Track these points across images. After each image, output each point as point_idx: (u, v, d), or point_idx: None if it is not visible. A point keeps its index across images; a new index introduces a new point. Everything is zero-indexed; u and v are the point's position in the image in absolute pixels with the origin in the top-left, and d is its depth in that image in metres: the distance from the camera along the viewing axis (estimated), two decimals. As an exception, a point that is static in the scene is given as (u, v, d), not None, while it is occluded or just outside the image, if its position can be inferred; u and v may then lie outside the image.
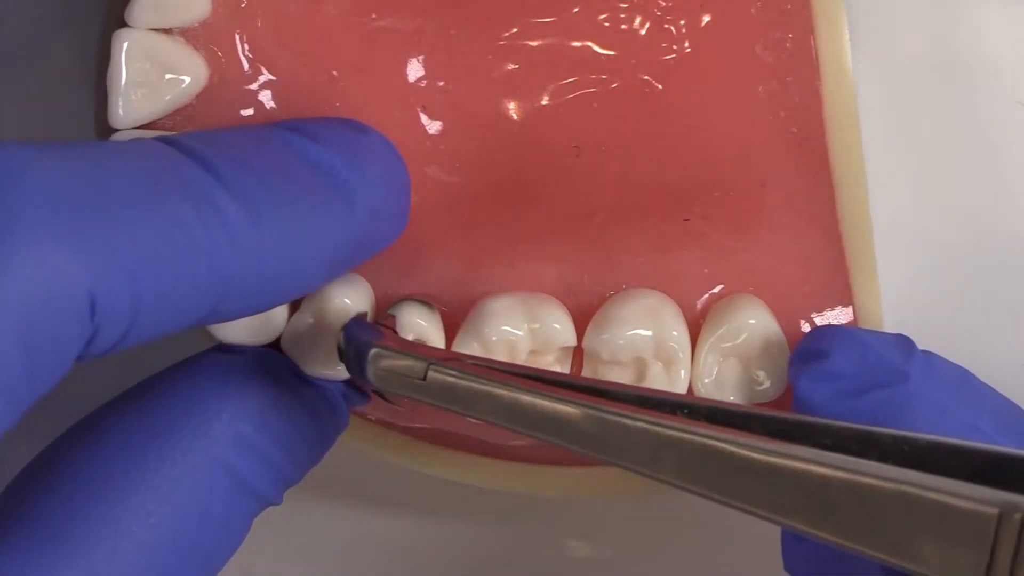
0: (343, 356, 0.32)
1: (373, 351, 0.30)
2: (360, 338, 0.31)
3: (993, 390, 0.33)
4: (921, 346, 0.38)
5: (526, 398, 0.28)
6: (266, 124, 0.34)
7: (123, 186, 0.27)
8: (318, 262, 0.31)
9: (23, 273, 0.24)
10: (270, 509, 0.42)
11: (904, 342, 0.32)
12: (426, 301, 0.35)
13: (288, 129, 0.33)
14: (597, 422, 0.28)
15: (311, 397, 0.34)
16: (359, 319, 0.33)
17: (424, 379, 0.30)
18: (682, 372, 0.34)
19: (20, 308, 0.24)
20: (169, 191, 0.27)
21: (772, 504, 0.26)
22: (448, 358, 0.30)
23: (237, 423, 0.32)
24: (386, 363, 0.30)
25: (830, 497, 0.25)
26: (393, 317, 0.34)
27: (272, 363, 0.34)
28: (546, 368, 0.35)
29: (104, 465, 0.32)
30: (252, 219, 0.29)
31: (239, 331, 0.34)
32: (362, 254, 0.33)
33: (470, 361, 0.31)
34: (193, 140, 0.30)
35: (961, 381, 0.32)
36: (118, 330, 0.27)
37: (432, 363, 0.30)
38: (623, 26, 0.37)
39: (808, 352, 0.32)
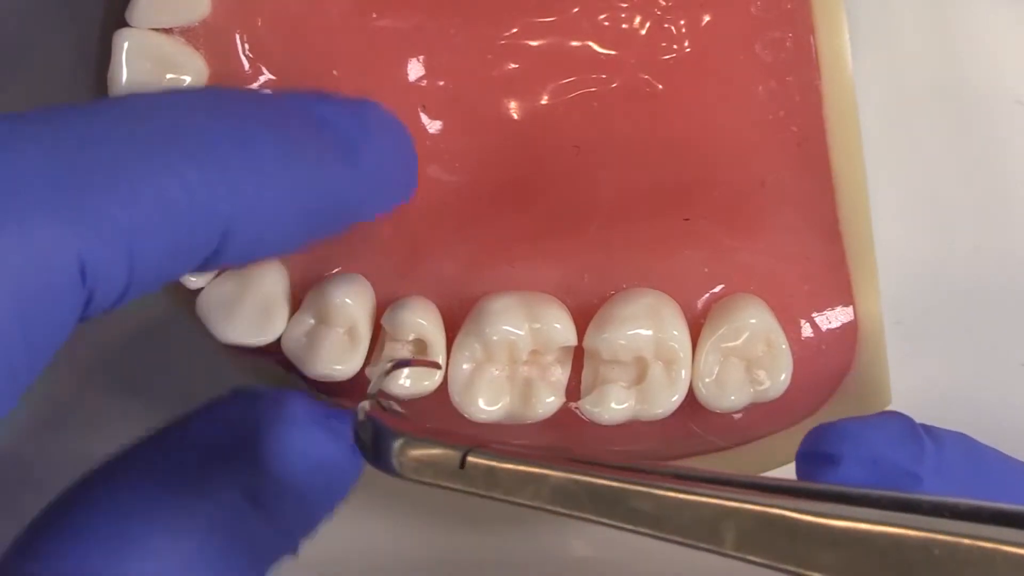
0: (359, 443, 0.30)
1: (399, 441, 0.29)
2: (380, 425, 0.30)
3: (1007, 459, 0.33)
4: (921, 346, 0.39)
5: (578, 477, 0.27)
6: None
7: (114, 144, 0.27)
8: (322, 210, 0.31)
9: (9, 246, 0.25)
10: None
11: (912, 436, 0.31)
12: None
13: (290, 90, 0.33)
14: (653, 498, 0.27)
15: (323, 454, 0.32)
16: (369, 403, 0.32)
17: (462, 467, 0.28)
18: (683, 372, 0.34)
19: (11, 282, 0.25)
20: (166, 142, 0.27)
21: (845, 570, 0.25)
22: (474, 442, 0.29)
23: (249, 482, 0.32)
24: (417, 453, 0.29)
25: (906, 557, 0.25)
26: (395, 403, 0.33)
27: (286, 412, 0.33)
28: (548, 366, 0.35)
29: (121, 520, 0.32)
30: (253, 164, 0.29)
31: (240, 331, 0.34)
32: (366, 210, 0.33)
33: (499, 445, 0.29)
34: (192, 92, 0.30)
35: (972, 469, 0.32)
36: (115, 290, 0.27)
37: (469, 450, 0.28)
38: (623, 26, 0.37)
39: (816, 456, 0.32)
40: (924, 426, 0.32)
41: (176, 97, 0.30)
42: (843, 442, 0.31)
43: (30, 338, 0.25)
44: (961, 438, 0.32)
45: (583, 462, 0.28)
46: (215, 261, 0.29)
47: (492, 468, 0.28)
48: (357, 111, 0.33)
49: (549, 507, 0.27)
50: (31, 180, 0.25)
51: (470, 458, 0.28)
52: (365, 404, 0.31)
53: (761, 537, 0.26)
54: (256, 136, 0.29)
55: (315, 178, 0.30)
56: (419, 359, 0.34)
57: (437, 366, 0.34)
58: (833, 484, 0.28)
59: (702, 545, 0.26)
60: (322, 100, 0.32)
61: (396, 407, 0.32)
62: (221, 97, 0.30)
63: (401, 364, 0.34)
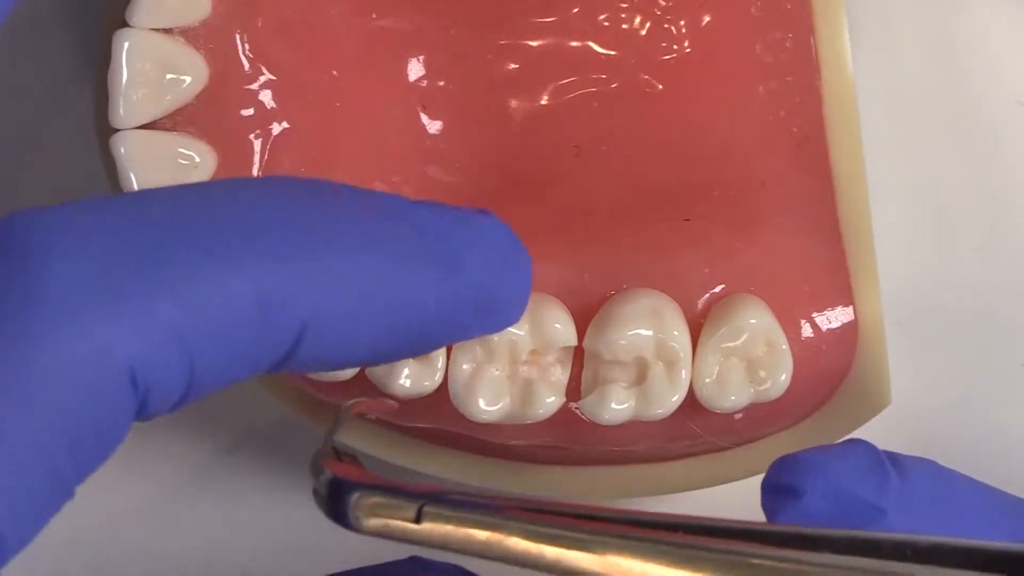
0: (315, 496, 0.29)
1: (355, 496, 0.28)
2: (336, 478, 0.29)
3: (974, 486, 0.33)
4: (922, 346, 0.38)
5: (535, 528, 0.26)
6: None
7: (177, 239, 0.25)
8: (412, 322, 0.28)
9: (53, 354, 0.23)
10: (269, 509, 0.43)
11: (876, 467, 0.31)
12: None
13: (385, 193, 0.30)
14: (606, 548, 0.26)
15: None
16: (324, 452, 0.31)
17: (418, 520, 0.27)
18: (683, 372, 0.34)
19: (56, 398, 0.23)
20: (239, 240, 0.25)
21: None
22: (434, 491, 0.28)
23: None
24: (372, 508, 0.28)
25: None
26: (352, 453, 0.31)
27: None
28: (544, 376, 0.35)
29: None
30: (337, 268, 0.26)
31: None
32: (467, 327, 0.29)
33: (458, 496, 0.28)
34: (271, 181, 0.27)
35: (938, 497, 0.32)
36: (172, 395, 0.25)
37: (425, 503, 0.27)
38: (623, 26, 0.37)
39: (779, 487, 0.32)
40: (890, 455, 0.32)
41: (253, 186, 0.27)
42: (806, 475, 0.31)
43: (76, 445, 0.24)
44: (927, 466, 0.32)
45: (544, 511, 0.27)
46: (285, 365, 0.26)
47: (449, 519, 0.27)
48: (463, 219, 0.29)
49: (506, 560, 0.27)
50: (78, 280, 0.23)
51: (425, 513, 0.27)
52: (319, 456, 0.30)
53: None
54: (341, 235, 0.26)
55: (406, 286, 0.27)
56: (374, 402, 0.34)
57: (394, 407, 0.34)
58: (792, 525, 0.28)
59: None
60: (421, 204, 0.29)
61: (353, 454, 0.32)
62: (302, 189, 0.27)
63: (359, 406, 0.33)
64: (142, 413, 0.25)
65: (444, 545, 0.27)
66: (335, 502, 0.28)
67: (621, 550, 0.26)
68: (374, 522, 0.28)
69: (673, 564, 0.26)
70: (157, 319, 0.24)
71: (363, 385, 0.35)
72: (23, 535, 0.24)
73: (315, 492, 0.29)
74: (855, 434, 0.37)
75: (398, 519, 0.27)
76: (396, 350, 0.28)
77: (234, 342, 0.25)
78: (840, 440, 0.37)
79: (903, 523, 0.31)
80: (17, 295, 0.23)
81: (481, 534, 0.27)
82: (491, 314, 0.30)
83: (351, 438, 0.39)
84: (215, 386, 0.26)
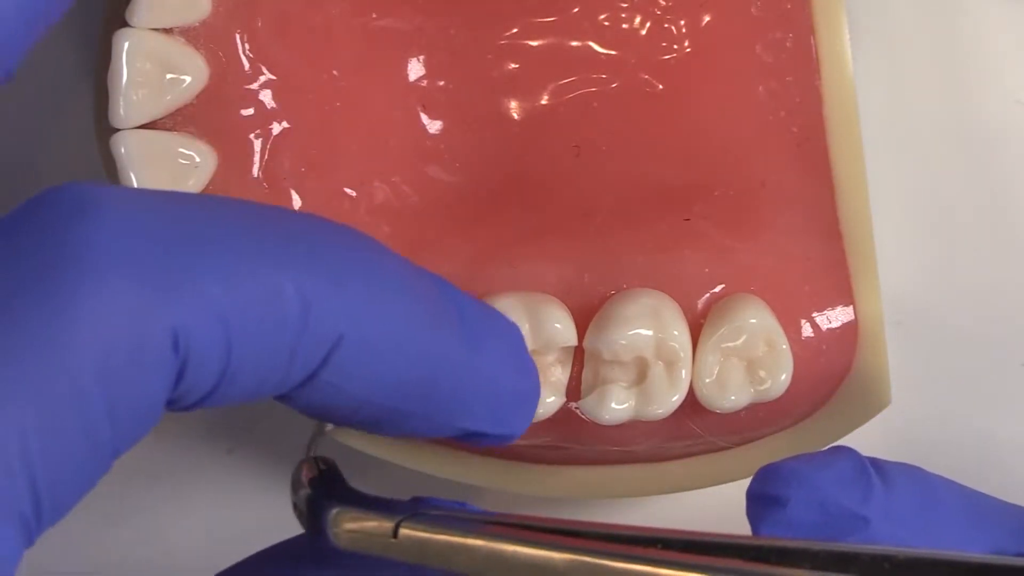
0: (296, 511, 0.30)
1: (333, 512, 0.28)
2: (314, 495, 0.29)
3: (957, 492, 0.33)
4: (922, 346, 0.38)
5: (507, 547, 0.27)
6: None
7: (223, 229, 0.25)
8: (428, 377, 0.28)
9: (96, 312, 0.23)
10: (269, 509, 0.43)
11: (860, 476, 0.31)
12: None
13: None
14: (586, 569, 0.26)
15: None
16: (305, 467, 0.31)
17: (395, 536, 0.27)
18: (683, 372, 0.34)
19: (96, 353, 0.23)
20: (285, 242, 0.25)
21: None
22: (412, 508, 0.28)
23: None
24: (350, 524, 0.28)
25: None
26: (333, 466, 0.32)
27: None
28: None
29: None
30: (379, 287, 0.26)
31: None
32: (473, 407, 0.29)
33: (436, 512, 0.28)
34: (309, 215, 0.28)
35: (922, 505, 0.32)
36: (208, 375, 0.25)
37: (401, 520, 0.27)
38: (623, 26, 0.37)
39: (763, 497, 0.32)
40: (874, 462, 0.32)
41: (302, 213, 0.28)
42: (790, 484, 0.31)
43: (115, 410, 0.24)
44: (911, 472, 0.32)
45: (522, 527, 0.27)
46: (310, 384, 0.26)
47: (424, 539, 0.27)
48: (490, 313, 0.30)
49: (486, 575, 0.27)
50: (127, 242, 0.24)
51: (402, 529, 0.27)
52: (300, 470, 0.30)
53: None
54: (387, 268, 0.27)
55: (436, 343, 0.28)
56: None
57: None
58: (771, 538, 0.28)
59: None
60: (448, 284, 0.29)
61: (335, 467, 0.32)
62: (350, 230, 0.28)
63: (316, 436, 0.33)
64: (177, 387, 0.25)
65: (421, 561, 0.27)
66: (314, 517, 0.29)
67: (599, 568, 0.26)
68: (352, 537, 0.28)
69: None
70: (202, 294, 0.24)
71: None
72: (60, 502, 0.24)
73: (295, 507, 0.30)
74: (855, 434, 0.37)
75: (376, 535, 0.28)
76: (405, 407, 0.28)
77: (272, 338, 0.25)
78: (839, 440, 0.37)
79: (887, 532, 0.31)
80: (69, 249, 0.23)
81: (457, 552, 0.27)
82: (495, 412, 0.30)
83: (351, 438, 0.39)
84: (245, 388, 0.26)
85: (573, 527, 0.28)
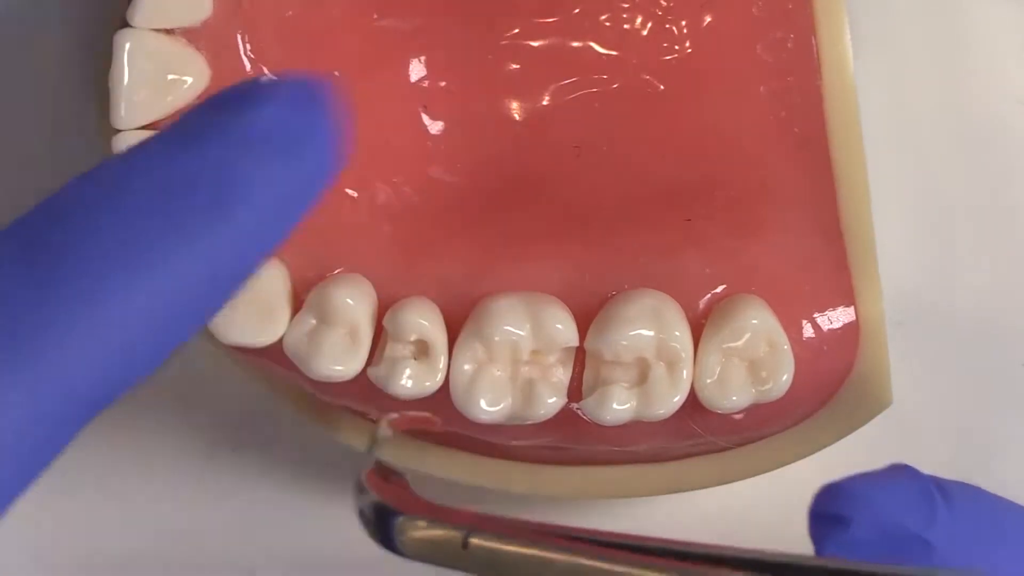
0: (363, 518, 0.29)
1: (400, 520, 0.28)
2: (381, 504, 0.29)
3: (1019, 513, 0.33)
4: (923, 347, 0.38)
5: (584, 562, 0.26)
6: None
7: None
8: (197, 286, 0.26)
9: None
10: (269, 509, 0.43)
11: (924, 498, 0.31)
12: None
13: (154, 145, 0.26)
14: None
15: None
16: (369, 471, 0.30)
17: (465, 547, 0.27)
18: (684, 372, 0.34)
19: None
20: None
21: None
22: (477, 521, 0.28)
23: None
24: (419, 534, 0.28)
25: None
26: (400, 474, 0.31)
27: None
28: (548, 370, 0.35)
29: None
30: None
31: (241, 332, 0.34)
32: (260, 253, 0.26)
33: (504, 524, 0.28)
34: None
35: (984, 529, 0.32)
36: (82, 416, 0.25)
37: (472, 531, 0.27)
38: (624, 26, 0.37)
39: (826, 515, 0.32)
40: (938, 483, 0.32)
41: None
42: (852, 504, 0.31)
43: None
44: (973, 494, 0.32)
45: (591, 541, 0.27)
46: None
47: (495, 550, 0.27)
48: (232, 129, 0.25)
49: None
50: None
51: (472, 539, 0.27)
52: (363, 475, 0.30)
53: None
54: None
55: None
56: (414, 415, 0.34)
57: (433, 422, 0.33)
58: (834, 559, 0.28)
59: None
60: (187, 146, 0.25)
61: (400, 473, 0.32)
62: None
63: (397, 421, 0.33)
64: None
65: (491, 573, 0.27)
66: (381, 526, 0.28)
67: None
68: (421, 547, 0.28)
69: None
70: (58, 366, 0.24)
71: (363, 385, 0.35)
72: None
73: (360, 513, 0.29)
74: (856, 434, 0.37)
75: (445, 545, 0.27)
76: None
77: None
78: (838, 441, 0.37)
79: (950, 556, 0.31)
80: None
81: (531, 565, 0.27)
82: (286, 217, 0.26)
83: (350, 438, 0.39)
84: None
85: (644, 544, 0.27)
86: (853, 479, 0.31)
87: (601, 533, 0.27)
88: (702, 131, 0.37)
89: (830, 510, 0.31)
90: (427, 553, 0.28)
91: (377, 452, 0.31)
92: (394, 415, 0.33)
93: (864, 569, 0.27)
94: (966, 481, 0.33)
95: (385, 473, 0.30)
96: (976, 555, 0.31)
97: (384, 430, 0.32)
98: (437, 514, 0.28)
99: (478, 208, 0.37)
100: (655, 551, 0.27)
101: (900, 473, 0.32)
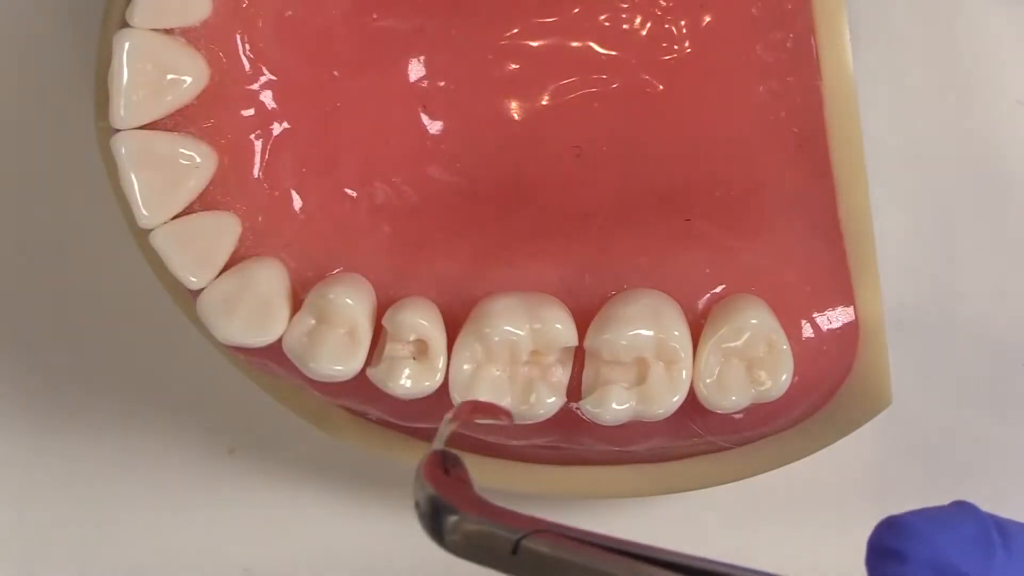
0: (418, 509, 0.29)
1: (454, 519, 0.28)
2: (437, 498, 0.28)
3: None
4: (922, 347, 0.38)
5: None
6: None
7: None
8: None
9: None
10: (269, 509, 0.43)
11: (982, 540, 0.31)
12: None
13: None
14: None
15: None
16: (430, 461, 0.30)
17: (515, 553, 0.27)
18: (683, 372, 0.34)
19: None
20: None
21: None
22: (534, 527, 0.28)
23: None
24: (469, 533, 0.28)
25: None
26: (462, 467, 0.31)
27: None
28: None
29: None
30: None
31: (240, 331, 0.34)
32: None
33: (556, 531, 0.28)
34: None
35: None
36: None
37: (523, 536, 0.27)
38: (624, 26, 0.37)
39: (883, 550, 0.32)
40: (999, 523, 0.31)
41: None
42: (911, 541, 0.31)
43: None
44: None
45: (641, 557, 0.27)
46: None
47: (545, 557, 0.27)
48: None
49: None
50: None
51: (524, 543, 0.27)
52: (423, 464, 0.30)
53: None
54: None
55: None
56: (489, 404, 0.33)
57: (509, 416, 0.33)
58: None
59: None
60: None
61: (464, 466, 0.31)
62: None
63: (466, 411, 0.33)
64: None
65: None
66: (434, 521, 0.28)
67: None
68: (471, 548, 0.28)
69: None
70: None
71: (362, 385, 0.35)
72: None
73: (416, 505, 0.29)
74: (856, 434, 0.37)
75: (494, 550, 0.27)
76: None
77: None
78: (838, 441, 0.37)
79: None
80: None
81: (578, 574, 0.27)
82: None
83: (349, 438, 0.39)
84: None
85: (702, 565, 0.27)
86: (914, 515, 0.31)
87: (657, 551, 0.27)
88: (701, 131, 0.37)
89: (888, 544, 0.31)
90: (475, 554, 0.28)
91: (442, 443, 0.31)
92: (463, 405, 0.33)
93: None
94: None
95: (448, 464, 0.30)
96: None
97: (449, 420, 0.32)
98: (492, 515, 0.28)
99: (477, 208, 0.37)
100: (703, 573, 0.27)
101: (962, 512, 0.32)
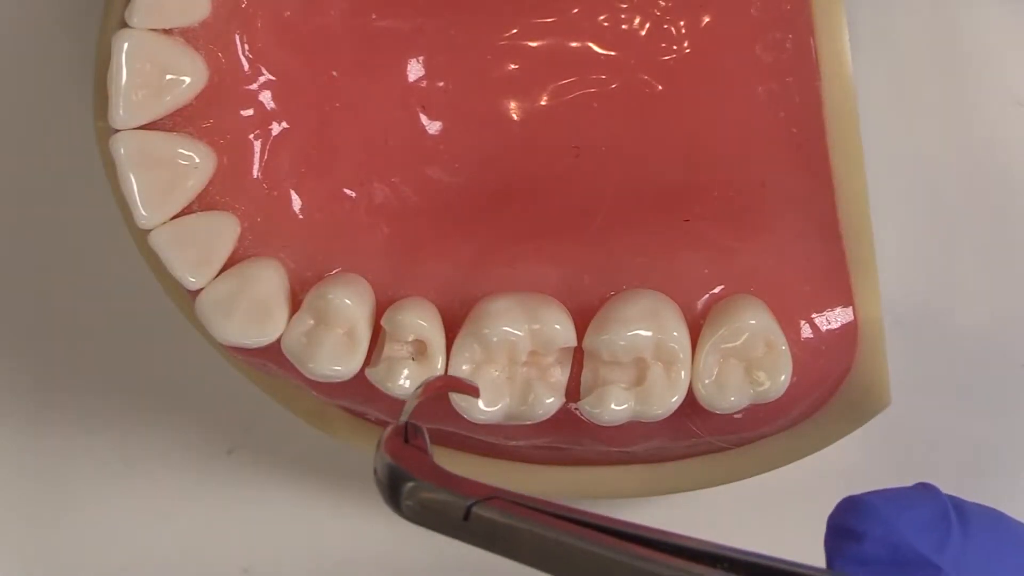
0: (376, 477, 0.30)
1: (409, 485, 0.28)
2: (395, 464, 0.29)
3: None
4: (922, 347, 0.38)
5: (583, 546, 0.26)
6: None
7: None
8: None
9: None
10: (268, 509, 0.43)
11: (939, 522, 0.31)
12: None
13: None
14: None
15: None
16: (391, 432, 0.31)
17: (466, 519, 0.27)
18: (682, 373, 0.34)
19: None
20: None
21: None
22: (488, 495, 0.28)
23: None
24: (422, 499, 0.28)
25: None
26: (422, 437, 0.31)
27: None
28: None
29: None
30: None
31: (239, 332, 0.34)
32: None
33: (509, 499, 0.28)
34: None
35: (999, 556, 0.32)
36: None
37: (475, 502, 0.27)
38: (623, 27, 0.37)
39: (841, 529, 0.32)
40: (958, 505, 0.32)
41: None
42: (868, 520, 0.31)
43: None
44: (994, 521, 0.32)
45: (590, 525, 0.27)
46: None
47: (495, 523, 0.27)
48: None
49: (549, 570, 0.27)
50: None
51: (475, 510, 0.27)
52: (385, 435, 0.30)
53: None
54: None
55: None
56: (458, 381, 0.34)
57: (476, 392, 0.34)
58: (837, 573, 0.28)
59: None
60: None
61: (424, 436, 0.31)
62: None
63: (434, 386, 0.33)
64: None
65: (487, 547, 0.27)
66: (390, 489, 0.29)
67: None
68: (422, 515, 0.28)
69: None
70: None
71: (361, 385, 0.35)
72: None
73: (375, 471, 0.30)
74: (855, 434, 0.37)
75: (446, 516, 0.28)
76: None
77: None
78: (838, 441, 0.37)
79: None
80: None
81: (525, 545, 0.27)
82: None
83: (347, 438, 0.39)
84: None
85: (650, 535, 0.27)
86: (873, 495, 0.31)
87: (610, 520, 0.27)
88: (700, 131, 0.37)
89: (846, 523, 0.31)
90: (429, 520, 0.28)
91: (409, 414, 0.31)
92: (433, 379, 0.33)
93: None
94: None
95: (409, 435, 0.31)
96: None
97: (417, 394, 0.32)
98: (446, 483, 0.28)
99: (476, 208, 0.37)
100: (657, 544, 0.27)
101: (921, 493, 0.32)
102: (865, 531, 0.31)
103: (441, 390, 0.33)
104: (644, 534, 0.27)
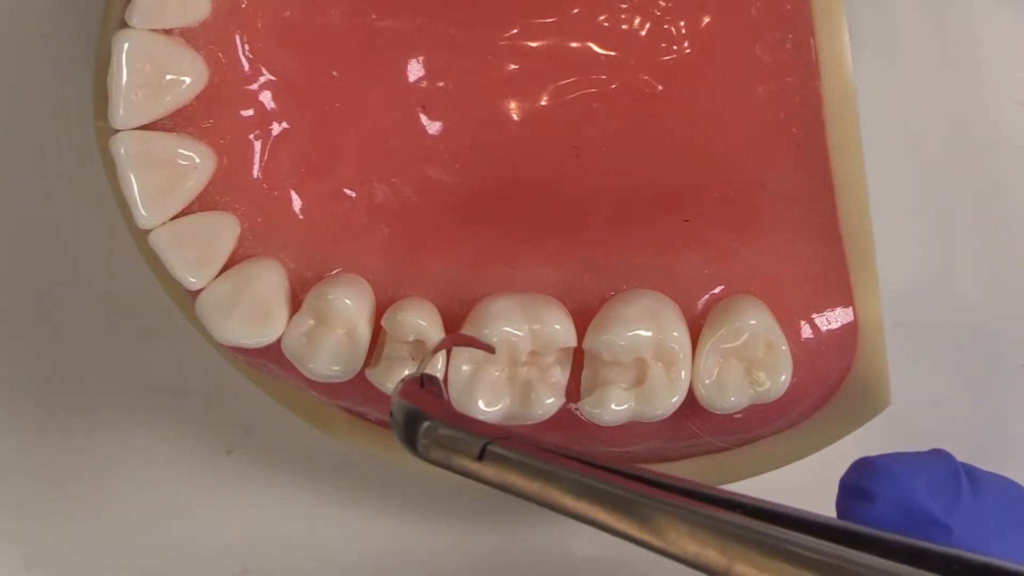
0: (392, 419, 0.31)
1: (426, 424, 0.29)
2: (412, 406, 0.30)
3: None
4: (922, 347, 0.38)
5: (589, 482, 0.27)
6: None
7: None
8: None
9: None
10: (268, 509, 0.43)
11: (951, 484, 0.32)
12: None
13: None
14: (665, 515, 0.27)
15: None
16: (408, 380, 0.32)
17: (480, 458, 0.28)
18: (682, 373, 0.34)
19: None
20: None
21: None
22: (502, 434, 0.29)
23: None
24: (439, 436, 0.29)
25: None
26: (437, 383, 0.33)
27: None
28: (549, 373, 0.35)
29: None
30: None
31: (239, 332, 0.34)
32: None
33: (522, 440, 0.29)
34: None
35: (1009, 520, 0.32)
36: None
37: (489, 441, 0.28)
38: (623, 27, 0.37)
39: (853, 489, 0.32)
40: (970, 471, 0.32)
41: None
42: (879, 481, 0.31)
43: None
44: (1005, 487, 0.32)
45: (600, 467, 0.28)
46: None
47: (510, 461, 0.28)
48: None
49: (556, 509, 0.27)
50: None
51: (489, 448, 0.28)
52: (401, 381, 0.31)
53: (760, 561, 0.26)
54: None
55: None
56: (473, 339, 0.34)
57: (492, 349, 0.34)
58: (849, 523, 0.28)
59: (705, 571, 0.26)
60: None
61: (439, 385, 0.33)
62: None
63: (451, 341, 0.33)
64: None
65: (501, 486, 0.28)
66: (407, 429, 0.29)
67: (664, 517, 0.26)
68: (438, 453, 0.29)
69: (714, 537, 0.26)
70: None
71: (361, 385, 0.35)
72: None
73: (391, 415, 0.30)
74: (856, 434, 0.37)
75: (461, 454, 0.28)
76: None
77: None
78: (838, 442, 0.37)
79: (968, 542, 0.31)
80: None
81: (536, 482, 0.28)
82: None
83: (348, 438, 0.39)
84: None
85: (651, 477, 0.28)
86: (885, 457, 0.32)
87: (622, 464, 0.28)
88: (700, 131, 0.37)
89: (858, 483, 0.31)
90: (444, 459, 0.29)
91: (425, 367, 0.32)
92: (452, 336, 0.34)
93: (874, 534, 0.27)
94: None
95: (425, 383, 0.32)
96: (994, 545, 0.31)
97: (439, 346, 0.33)
98: (462, 422, 0.29)
99: (476, 208, 0.37)
100: (671, 488, 0.28)
101: (934, 457, 0.32)
102: (876, 491, 0.31)
103: (457, 344, 0.34)
104: (657, 479, 0.28)
